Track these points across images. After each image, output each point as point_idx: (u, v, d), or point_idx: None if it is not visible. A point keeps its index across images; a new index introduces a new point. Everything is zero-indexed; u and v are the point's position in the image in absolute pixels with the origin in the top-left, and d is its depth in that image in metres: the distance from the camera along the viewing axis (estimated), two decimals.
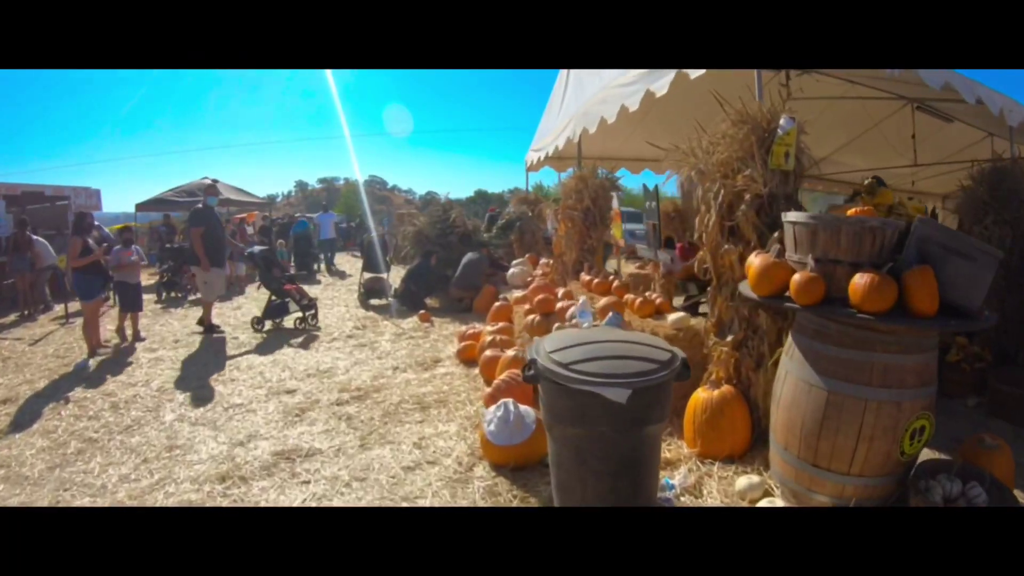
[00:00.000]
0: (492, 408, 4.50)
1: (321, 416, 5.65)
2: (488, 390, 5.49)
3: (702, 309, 7.99)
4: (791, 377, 3.59)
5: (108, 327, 10.08)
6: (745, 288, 3.87)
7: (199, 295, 13.49)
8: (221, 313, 11.48)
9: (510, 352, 6.19)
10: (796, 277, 3.37)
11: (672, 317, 5.61)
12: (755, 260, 3.65)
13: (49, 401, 6.39)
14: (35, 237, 12.49)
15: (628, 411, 3.01)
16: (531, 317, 6.71)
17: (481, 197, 57.22)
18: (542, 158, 11.74)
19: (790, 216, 3.66)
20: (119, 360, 8.03)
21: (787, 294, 3.48)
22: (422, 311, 10.39)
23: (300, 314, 9.73)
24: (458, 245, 12.51)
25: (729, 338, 4.66)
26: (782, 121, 4.35)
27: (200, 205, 9.59)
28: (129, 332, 9.10)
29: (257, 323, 9.71)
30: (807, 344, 3.52)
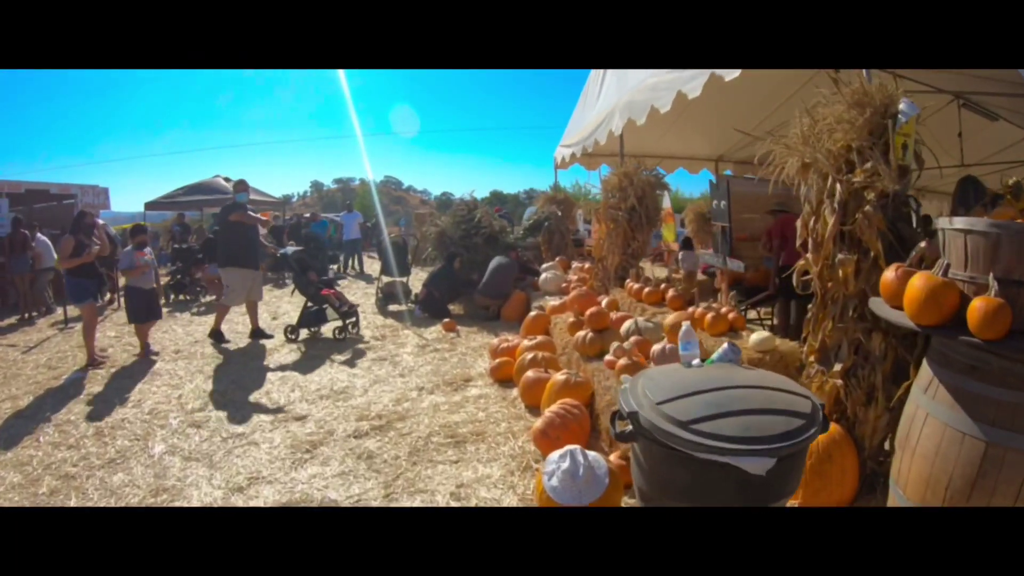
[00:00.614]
0: (554, 456, 3.58)
1: (336, 453, 4.77)
2: (537, 424, 4.61)
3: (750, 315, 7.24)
4: (933, 422, 2.71)
5: (109, 334, 9.36)
6: (886, 311, 2.97)
7: (212, 298, 12.86)
8: (230, 319, 10.66)
9: (559, 376, 5.31)
10: (978, 304, 2.45)
11: (754, 338, 4.73)
12: (917, 280, 2.72)
13: (30, 423, 5.64)
14: (39, 236, 11.87)
15: (765, 484, 2.18)
16: (583, 334, 5.79)
17: (496, 198, 56.55)
18: (576, 154, 10.87)
19: (959, 222, 2.74)
20: (113, 373, 7.23)
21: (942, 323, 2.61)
22: (446, 319, 9.48)
23: (339, 322, 8.83)
24: (483, 247, 11.56)
25: (837, 367, 3.79)
26: (902, 106, 3.50)
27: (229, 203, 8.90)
28: (139, 345, 8.20)
29: (291, 332, 8.82)
30: (958, 382, 2.63)
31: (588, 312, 5.93)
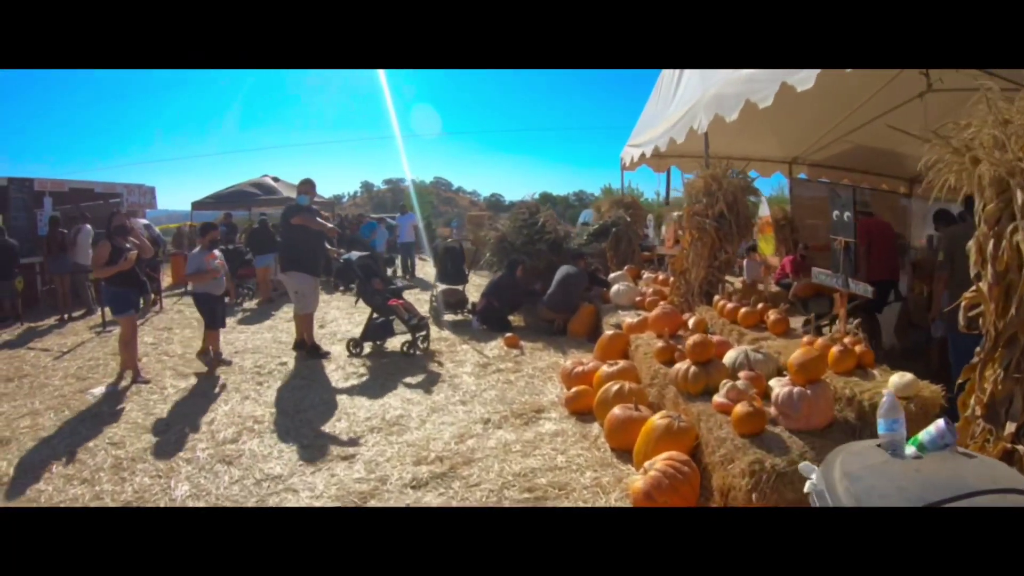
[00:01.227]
0: None
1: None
2: (639, 484, 3.71)
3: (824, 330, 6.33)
4: None
5: (146, 340, 8.76)
6: None
7: (256, 302, 12.22)
8: (273, 327, 9.99)
9: (658, 419, 4.39)
10: None
11: (895, 381, 3.78)
12: None
13: (45, 448, 5.03)
14: (86, 227, 11.43)
15: None
16: (683, 367, 4.82)
17: (546, 200, 55.76)
18: (647, 154, 9.92)
19: None
20: (143, 387, 6.59)
21: None
22: (508, 334, 8.57)
23: (407, 336, 7.98)
24: (547, 254, 10.64)
25: (1010, 426, 2.99)
26: None
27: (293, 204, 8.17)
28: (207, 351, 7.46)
29: (355, 346, 8.00)
30: None
31: (691, 341, 4.96)
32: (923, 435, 2.12)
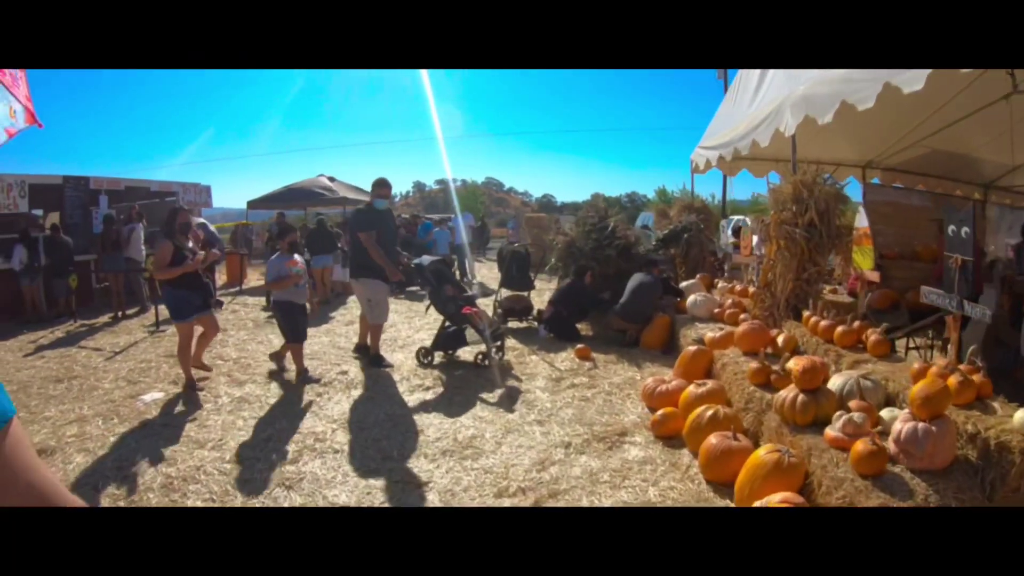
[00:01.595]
0: None
1: None
2: None
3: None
4: None
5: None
6: None
7: (317, 300, 11.88)
8: (331, 330, 9.60)
9: (765, 454, 3.83)
10: None
11: (1020, 416, 3.31)
12: None
13: (88, 459, 4.69)
14: (138, 226, 11.34)
15: None
16: (790, 395, 4.22)
17: (603, 202, 55.25)
18: (726, 157, 9.33)
19: None
20: (197, 396, 6.21)
21: None
22: (580, 345, 8.04)
23: (482, 346, 7.47)
24: (616, 260, 10.06)
25: None
26: None
27: (363, 206, 7.81)
28: (292, 368, 6.98)
29: (425, 355, 7.55)
30: None
31: (799, 367, 4.37)
32: None
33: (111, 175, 13.86)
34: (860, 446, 3.43)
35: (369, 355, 7.48)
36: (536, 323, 9.58)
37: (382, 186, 7.44)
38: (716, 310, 8.04)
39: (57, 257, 10.58)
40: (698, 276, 10.14)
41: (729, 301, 8.19)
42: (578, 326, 9.30)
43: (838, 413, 3.93)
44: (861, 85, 5.10)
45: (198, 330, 6.59)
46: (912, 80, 4.41)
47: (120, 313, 10.84)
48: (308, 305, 7.01)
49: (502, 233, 18.96)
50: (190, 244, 6.45)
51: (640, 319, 8.53)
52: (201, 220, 11.99)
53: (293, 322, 6.66)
